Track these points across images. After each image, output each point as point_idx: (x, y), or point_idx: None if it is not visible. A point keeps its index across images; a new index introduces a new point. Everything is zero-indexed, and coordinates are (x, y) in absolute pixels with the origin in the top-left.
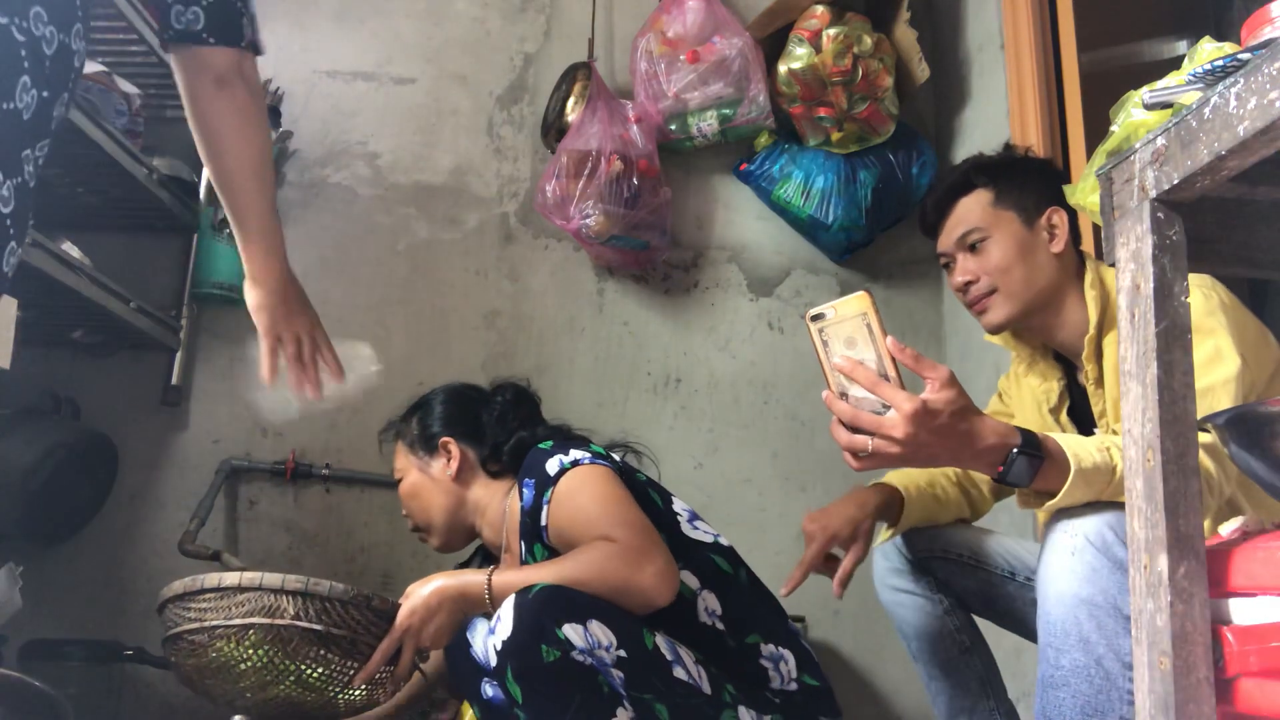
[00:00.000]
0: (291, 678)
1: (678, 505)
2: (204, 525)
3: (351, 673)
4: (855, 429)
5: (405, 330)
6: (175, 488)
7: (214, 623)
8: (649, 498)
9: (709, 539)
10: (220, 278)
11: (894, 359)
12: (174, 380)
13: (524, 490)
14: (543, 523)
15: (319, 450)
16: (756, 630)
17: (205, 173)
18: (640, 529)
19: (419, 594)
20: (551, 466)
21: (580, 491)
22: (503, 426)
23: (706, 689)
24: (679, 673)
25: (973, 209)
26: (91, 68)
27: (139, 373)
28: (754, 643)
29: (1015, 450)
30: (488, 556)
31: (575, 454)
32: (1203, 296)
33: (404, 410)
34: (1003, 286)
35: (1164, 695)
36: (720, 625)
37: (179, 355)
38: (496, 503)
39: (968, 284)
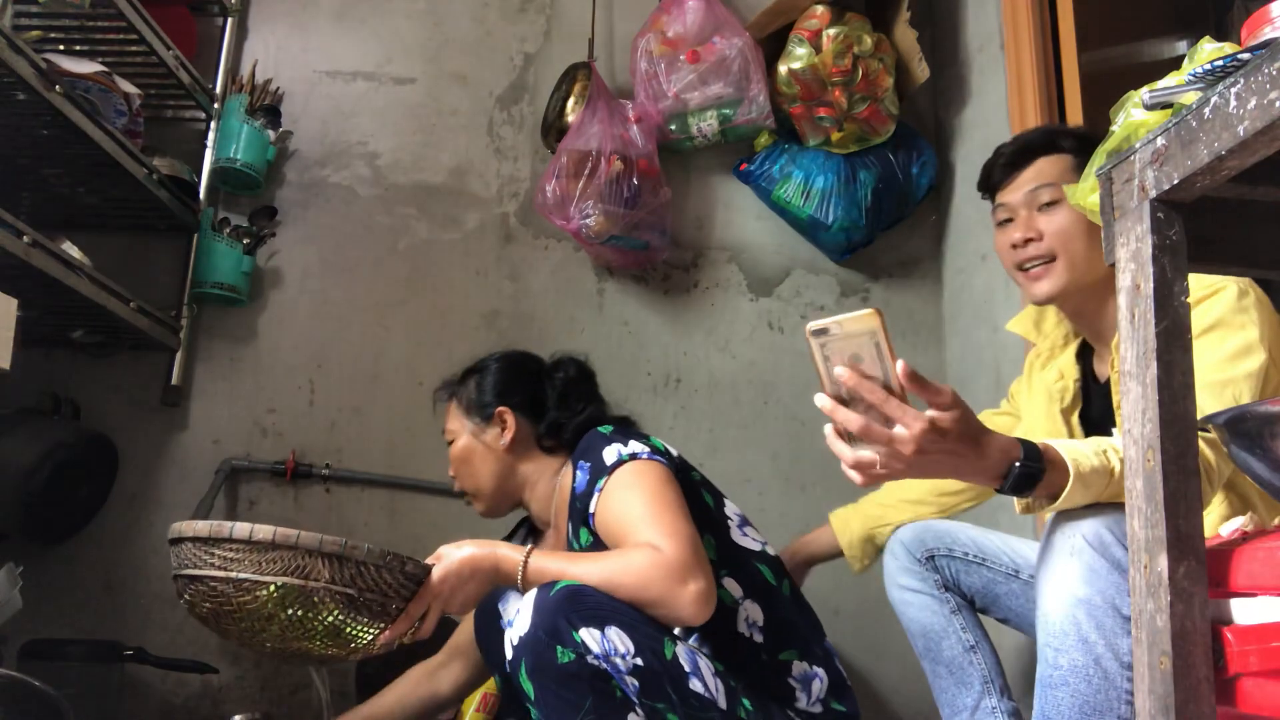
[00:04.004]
0: (316, 634)
1: (729, 509)
2: None
3: (376, 631)
4: (853, 440)
5: (405, 330)
6: (175, 488)
7: (240, 575)
8: (701, 499)
9: (756, 547)
10: (220, 278)
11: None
12: (174, 380)
13: (577, 472)
14: (591, 510)
15: (319, 450)
16: (793, 646)
17: (205, 172)
18: (689, 543)
19: (453, 557)
20: (609, 455)
21: (633, 488)
22: (565, 405)
23: (722, 703)
24: (695, 684)
25: (1052, 169)
26: (91, 68)
27: (139, 373)
28: (787, 660)
29: (1017, 464)
30: (532, 529)
31: (635, 446)
32: (1239, 291)
33: (461, 371)
34: (1064, 255)
35: (1164, 695)
36: (758, 637)
37: (179, 355)
38: (547, 479)
39: (1027, 241)
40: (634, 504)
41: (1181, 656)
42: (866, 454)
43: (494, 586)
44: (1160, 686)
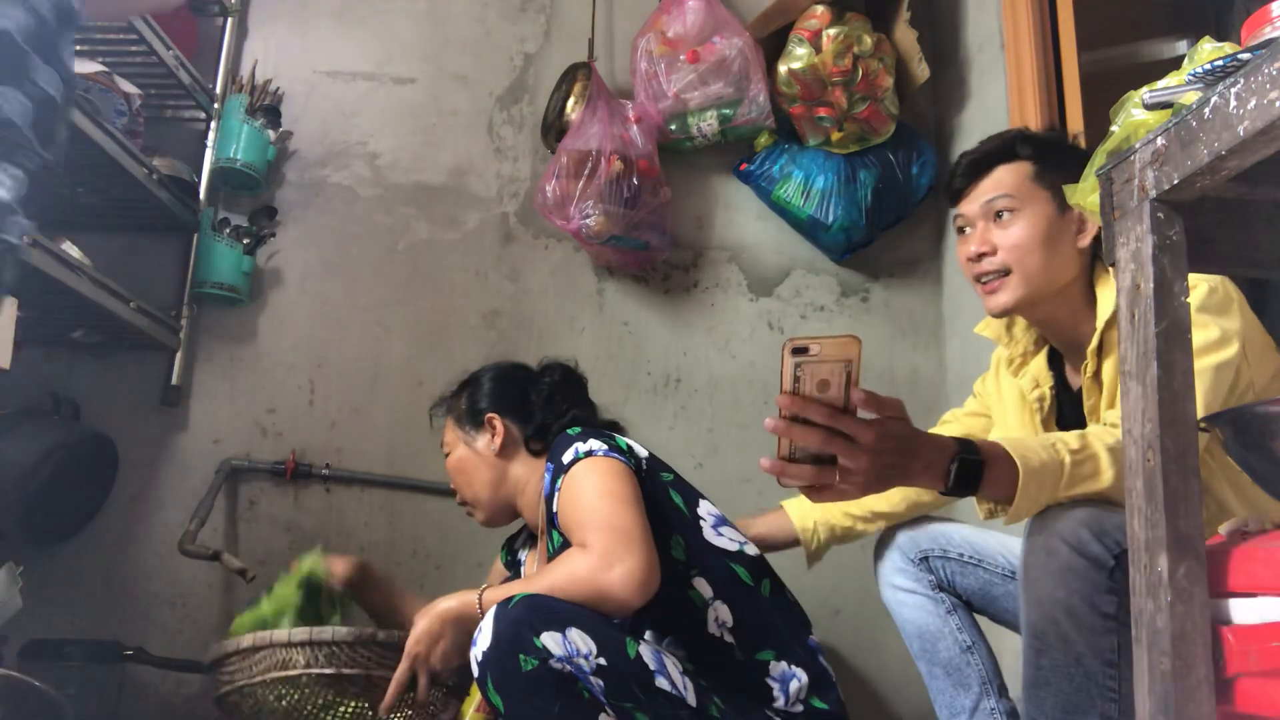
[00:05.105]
0: (322, 717)
1: (704, 509)
2: (204, 525)
3: (370, 702)
4: (802, 460)
5: (405, 330)
6: (175, 488)
7: (241, 683)
8: (669, 499)
9: (733, 547)
10: (220, 278)
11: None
12: (174, 380)
13: (545, 475)
14: (554, 510)
15: (319, 450)
16: (770, 646)
17: (205, 172)
18: (619, 531)
19: (422, 621)
20: (567, 455)
21: (582, 484)
22: (551, 406)
23: (691, 700)
24: (661, 682)
25: (1009, 178)
26: (91, 67)
27: (139, 373)
28: (764, 660)
29: (957, 459)
30: (531, 535)
31: (592, 444)
32: (1208, 290)
33: (454, 386)
34: (1018, 270)
35: (1164, 695)
36: (729, 638)
37: (179, 355)
38: (535, 482)
39: (981, 255)
40: (581, 499)
41: (1181, 656)
42: (828, 475)
43: (468, 633)
44: (1160, 686)
